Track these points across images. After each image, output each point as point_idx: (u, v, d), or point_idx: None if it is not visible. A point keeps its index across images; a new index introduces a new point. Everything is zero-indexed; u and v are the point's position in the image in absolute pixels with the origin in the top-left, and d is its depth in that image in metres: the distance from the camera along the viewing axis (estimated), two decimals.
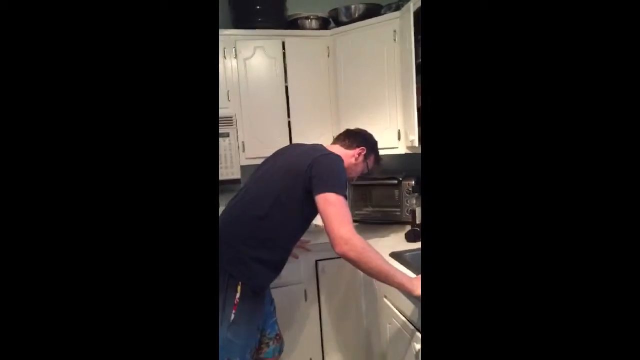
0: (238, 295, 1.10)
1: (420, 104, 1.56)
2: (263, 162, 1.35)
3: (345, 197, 1.09)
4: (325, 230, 1.06)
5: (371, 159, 1.41)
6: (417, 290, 1.05)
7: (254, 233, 1.14)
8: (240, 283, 1.11)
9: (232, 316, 1.10)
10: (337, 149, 1.32)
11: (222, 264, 1.10)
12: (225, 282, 1.10)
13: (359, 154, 1.35)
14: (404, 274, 1.08)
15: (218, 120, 1.81)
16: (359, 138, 1.38)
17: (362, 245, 1.03)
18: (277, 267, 1.21)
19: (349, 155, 1.32)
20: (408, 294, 1.09)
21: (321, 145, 1.32)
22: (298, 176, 1.14)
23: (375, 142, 1.43)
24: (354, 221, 2.09)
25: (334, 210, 1.05)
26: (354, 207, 2.10)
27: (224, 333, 1.10)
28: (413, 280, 1.08)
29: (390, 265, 1.07)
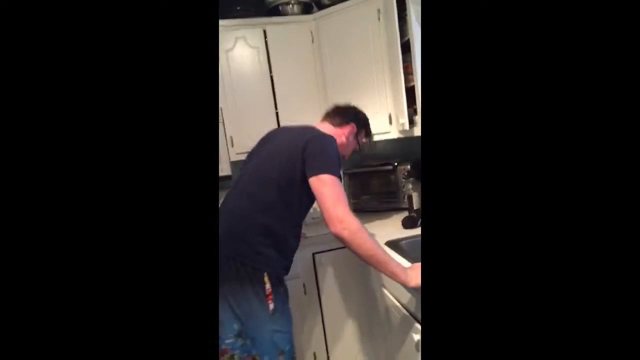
0: (268, 285, 1.08)
1: (407, 85, 1.49)
2: (253, 150, 1.31)
3: (340, 177, 1.07)
4: (320, 211, 1.04)
5: (362, 135, 1.35)
6: (412, 281, 1.01)
7: (263, 222, 1.11)
8: (266, 273, 1.09)
9: (272, 306, 1.08)
10: (327, 127, 1.27)
11: (241, 259, 1.08)
12: (249, 276, 1.08)
13: (350, 132, 1.30)
14: (399, 264, 1.04)
15: (218, 115, 1.75)
16: (348, 115, 1.32)
17: (357, 227, 1.00)
18: (292, 251, 1.20)
19: (340, 134, 1.27)
20: (402, 284, 1.05)
21: (311, 126, 1.27)
22: (294, 160, 1.10)
23: (366, 118, 1.37)
24: (353, 210, 2.05)
25: (328, 190, 1.03)
26: (351, 196, 2.05)
27: (266, 327, 1.08)
28: (407, 270, 1.03)
29: (384, 252, 1.04)
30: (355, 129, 1.31)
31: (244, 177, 1.22)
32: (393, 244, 1.35)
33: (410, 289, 1.08)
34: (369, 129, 1.39)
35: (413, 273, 1.02)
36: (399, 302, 1.24)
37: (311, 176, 1.06)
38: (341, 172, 1.09)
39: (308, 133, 1.16)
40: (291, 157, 1.11)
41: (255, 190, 1.14)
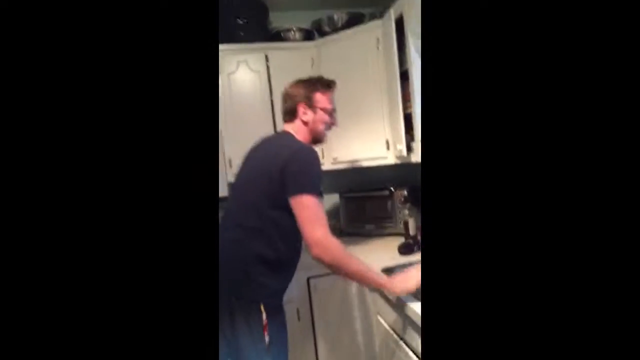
0: (264, 315, 1.05)
1: (406, 112, 1.52)
2: (240, 169, 1.26)
3: (320, 194, 1.03)
4: (301, 230, 1.02)
5: (316, 100, 1.16)
6: (396, 287, 1.02)
7: (255, 250, 1.08)
8: (262, 304, 1.05)
9: (267, 338, 1.05)
10: (290, 127, 1.19)
11: (235, 292, 1.05)
12: (244, 309, 1.05)
13: (303, 113, 1.17)
14: (383, 275, 1.05)
15: (218, 136, 1.76)
16: (289, 98, 1.19)
17: (337, 249, 0.99)
18: (291, 273, 1.17)
19: (301, 124, 1.17)
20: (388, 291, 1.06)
21: (287, 134, 1.18)
22: (274, 182, 1.06)
23: (305, 80, 1.21)
24: (348, 234, 2.05)
25: (307, 213, 1.01)
26: (346, 220, 2.05)
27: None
28: (392, 279, 1.04)
29: (367, 267, 1.04)
30: (304, 106, 1.16)
31: (231, 200, 1.19)
32: (389, 271, 1.33)
33: (405, 316, 1.07)
34: (317, 86, 1.19)
35: (397, 279, 1.04)
36: (394, 330, 1.21)
37: (290, 197, 1.03)
38: (321, 189, 1.04)
39: (285, 150, 1.10)
40: (269, 178, 1.06)
41: (241, 219, 1.11)
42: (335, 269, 1.01)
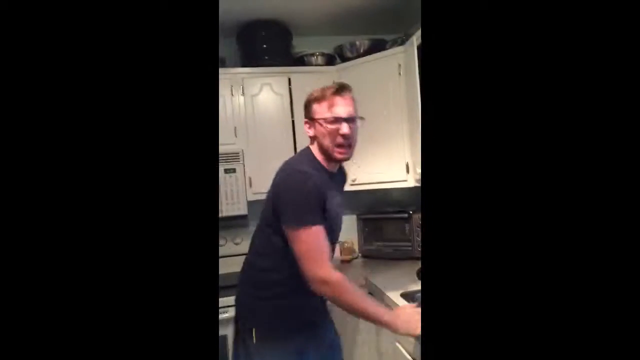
0: (254, 340, 1.02)
1: None
2: None
3: (316, 223, 0.95)
4: (299, 265, 0.96)
5: (313, 109, 1.04)
6: (401, 328, 0.95)
7: (254, 273, 1.09)
8: (254, 329, 1.03)
9: None
10: (310, 144, 1.12)
11: (244, 310, 1.06)
12: (244, 329, 1.04)
13: (309, 127, 1.07)
14: (387, 312, 0.99)
15: (218, 161, 1.80)
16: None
17: (340, 286, 0.94)
18: (288, 302, 1.07)
19: (310, 140, 1.10)
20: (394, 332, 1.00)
21: (306, 150, 1.10)
22: (268, 206, 1.03)
23: (308, 98, 1.09)
24: (365, 257, 2.04)
25: (304, 248, 0.95)
26: (364, 242, 2.04)
27: None
28: (396, 318, 0.97)
29: (373, 303, 0.99)
30: (307, 121, 1.08)
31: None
32: (408, 296, 1.32)
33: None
34: (313, 95, 1.07)
35: (402, 319, 0.96)
36: (412, 358, 1.19)
37: (285, 227, 0.98)
38: (318, 215, 0.95)
39: (279, 173, 1.05)
40: (267, 204, 1.05)
41: (254, 238, 1.12)
42: (338, 304, 0.98)
